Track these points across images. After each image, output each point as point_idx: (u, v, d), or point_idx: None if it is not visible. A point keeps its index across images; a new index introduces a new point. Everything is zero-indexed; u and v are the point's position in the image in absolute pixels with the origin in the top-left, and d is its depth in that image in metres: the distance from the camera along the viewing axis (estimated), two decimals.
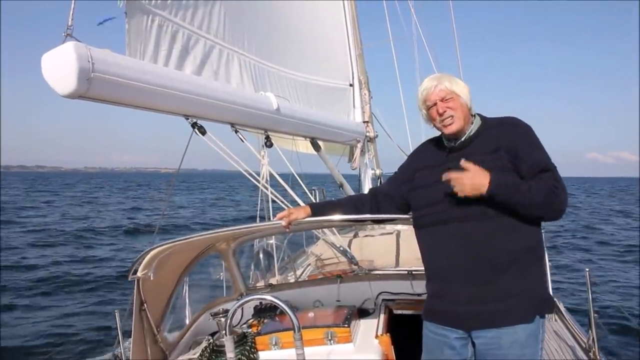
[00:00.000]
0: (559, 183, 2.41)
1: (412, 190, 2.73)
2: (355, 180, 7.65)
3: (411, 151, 3.03)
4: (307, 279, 4.94)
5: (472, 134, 2.60)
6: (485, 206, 2.42)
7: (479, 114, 2.67)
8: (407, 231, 3.13)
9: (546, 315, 2.57)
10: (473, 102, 2.63)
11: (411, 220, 2.78)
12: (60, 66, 2.67)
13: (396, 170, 2.95)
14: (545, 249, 4.02)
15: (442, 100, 2.57)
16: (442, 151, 2.68)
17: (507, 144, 2.49)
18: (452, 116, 2.55)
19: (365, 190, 6.85)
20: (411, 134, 7.97)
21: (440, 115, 2.57)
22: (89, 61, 2.69)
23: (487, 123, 2.63)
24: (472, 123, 2.62)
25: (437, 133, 2.74)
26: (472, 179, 2.37)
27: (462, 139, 2.60)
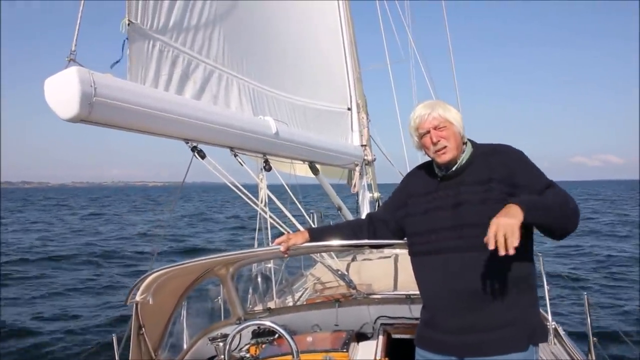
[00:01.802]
0: (565, 193, 2.42)
1: (406, 217, 2.73)
2: (350, 200, 7.66)
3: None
4: (305, 303, 4.92)
5: (463, 162, 2.59)
6: (475, 237, 2.38)
7: (470, 140, 2.67)
8: (405, 255, 3.13)
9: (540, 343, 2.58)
10: (466, 123, 2.63)
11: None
12: (63, 90, 2.70)
13: (391, 194, 2.96)
14: (543, 273, 4.04)
15: (435, 128, 2.55)
16: (433, 178, 2.67)
17: (501, 174, 2.48)
18: (445, 146, 2.54)
19: (364, 213, 6.87)
20: (408, 156, 7.98)
21: (434, 144, 2.56)
22: (91, 86, 2.73)
23: (478, 151, 2.62)
24: (463, 151, 2.61)
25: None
26: (506, 215, 2.21)
27: (454, 168, 2.59)
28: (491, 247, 2.17)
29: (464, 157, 2.60)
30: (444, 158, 2.56)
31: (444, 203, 2.55)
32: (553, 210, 2.32)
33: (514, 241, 2.13)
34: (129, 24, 3.28)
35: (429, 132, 2.57)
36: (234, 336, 2.73)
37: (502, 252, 2.14)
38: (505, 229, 2.15)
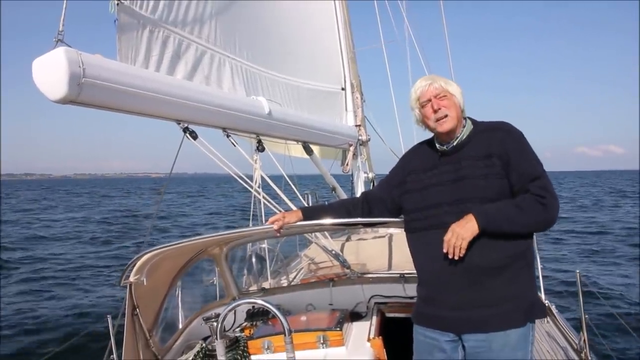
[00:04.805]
0: (548, 191, 2.44)
1: (404, 194, 2.73)
2: (349, 182, 7.67)
3: (403, 153, 3.04)
4: (299, 282, 4.94)
5: (464, 138, 2.60)
6: None
7: (470, 118, 2.68)
8: (400, 234, 3.16)
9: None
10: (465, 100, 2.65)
11: (403, 223, 2.78)
12: (51, 71, 2.67)
13: (388, 173, 2.96)
14: (537, 253, 4.06)
15: (436, 97, 2.57)
16: (434, 154, 2.68)
17: (499, 150, 2.50)
18: (446, 114, 2.55)
19: (358, 194, 6.87)
20: (403, 137, 7.99)
21: (435, 112, 2.57)
22: (79, 66, 2.70)
23: (479, 127, 2.63)
24: (464, 126, 2.62)
25: (429, 135, 2.76)
26: (460, 226, 2.40)
27: (454, 142, 2.60)
28: (445, 250, 2.42)
29: (464, 133, 2.61)
30: (444, 127, 2.57)
31: (445, 178, 2.57)
32: (515, 221, 2.42)
33: (461, 252, 2.39)
34: (118, 4, 3.25)
35: (430, 100, 2.59)
36: (226, 314, 2.73)
37: (455, 257, 2.41)
38: (457, 238, 2.39)
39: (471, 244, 2.41)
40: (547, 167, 2.56)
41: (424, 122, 2.67)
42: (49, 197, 67.88)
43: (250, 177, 4.59)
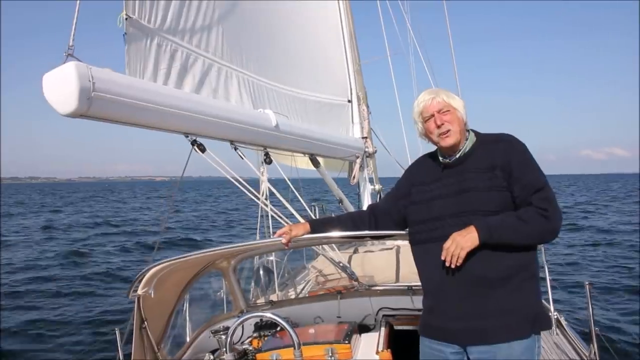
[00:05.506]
0: (550, 203, 2.45)
1: (409, 206, 2.75)
2: (349, 189, 7.66)
3: (409, 159, 3.06)
4: (307, 295, 4.93)
5: (467, 150, 2.61)
6: None
7: (473, 130, 2.69)
8: (407, 247, 3.15)
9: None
10: (469, 115, 2.67)
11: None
12: (61, 86, 2.70)
13: (394, 186, 2.97)
14: (545, 265, 4.04)
15: (439, 112, 2.59)
16: (437, 167, 2.70)
17: (502, 161, 2.51)
18: (449, 129, 2.57)
19: (365, 206, 6.87)
20: (409, 148, 7.98)
21: (438, 127, 2.58)
22: (89, 80, 2.72)
23: (482, 139, 2.65)
24: (466, 139, 2.64)
25: (434, 148, 2.77)
26: (461, 236, 2.41)
27: (457, 155, 2.62)
28: (442, 257, 2.44)
29: (467, 145, 2.62)
30: (447, 141, 2.58)
31: (448, 190, 2.58)
32: (517, 234, 2.43)
33: (459, 261, 2.40)
34: (126, 19, 3.28)
35: (433, 115, 2.60)
36: (235, 328, 2.74)
37: (452, 266, 2.42)
38: (456, 247, 2.40)
39: (473, 254, 2.42)
40: (551, 170, 2.55)
41: (427, 135, 2.69)
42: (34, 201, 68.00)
43: (257, 181, 4.61)
